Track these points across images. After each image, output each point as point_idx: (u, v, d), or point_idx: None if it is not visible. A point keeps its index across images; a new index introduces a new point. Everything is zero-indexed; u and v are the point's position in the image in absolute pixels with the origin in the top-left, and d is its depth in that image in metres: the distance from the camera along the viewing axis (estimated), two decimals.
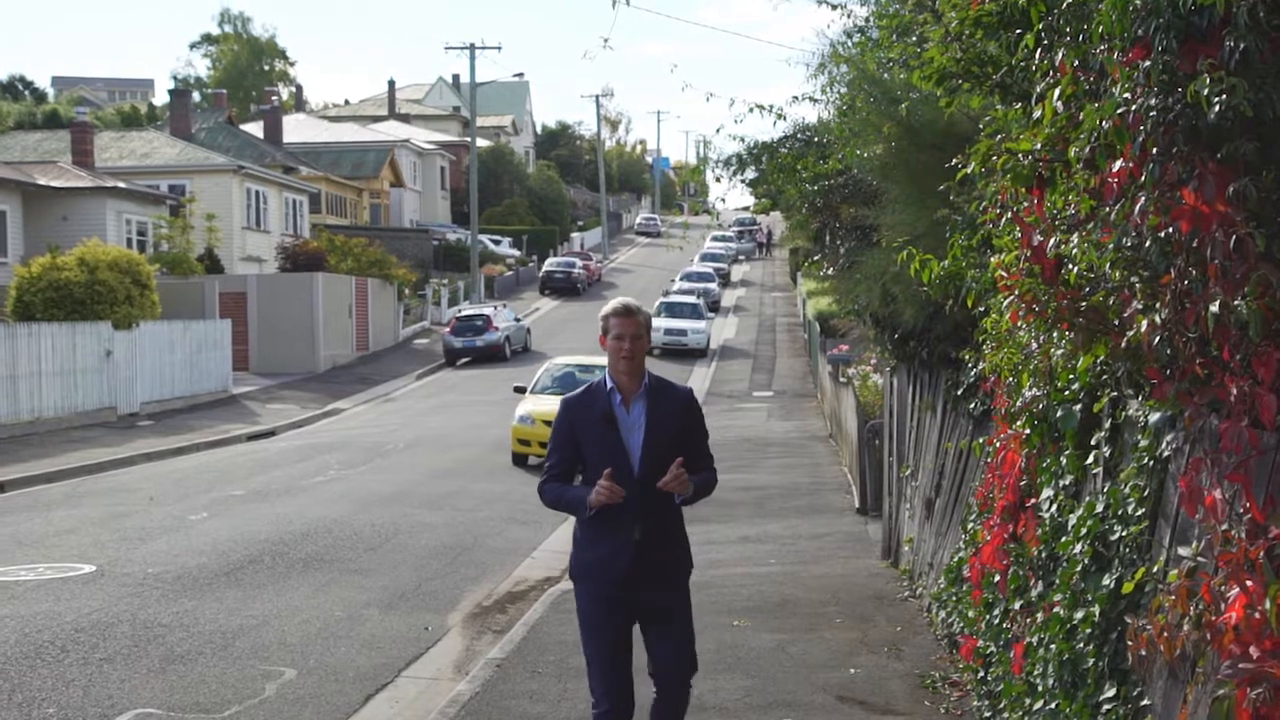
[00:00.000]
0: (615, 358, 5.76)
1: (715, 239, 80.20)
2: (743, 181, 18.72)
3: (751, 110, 11.80)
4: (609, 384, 5.78)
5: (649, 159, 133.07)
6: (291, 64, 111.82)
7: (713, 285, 58.35)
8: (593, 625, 5.76)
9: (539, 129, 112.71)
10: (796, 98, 11.28)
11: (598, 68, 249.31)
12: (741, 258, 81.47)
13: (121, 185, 38.84)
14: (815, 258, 12.74)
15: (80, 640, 9.41)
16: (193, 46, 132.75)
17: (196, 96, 73.24)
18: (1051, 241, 4.88)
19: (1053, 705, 5.20)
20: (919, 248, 8.89)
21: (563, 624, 10.07)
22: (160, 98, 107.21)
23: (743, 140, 13.00)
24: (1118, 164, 4.04)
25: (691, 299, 48.65)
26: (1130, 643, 4.18)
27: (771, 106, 11.75)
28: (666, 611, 5.76)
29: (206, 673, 8.73)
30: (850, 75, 10.34)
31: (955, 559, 8.93)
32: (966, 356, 7.73)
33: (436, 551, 13.58)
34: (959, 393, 9.71)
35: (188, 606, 10.59)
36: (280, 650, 9.42)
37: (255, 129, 63.57)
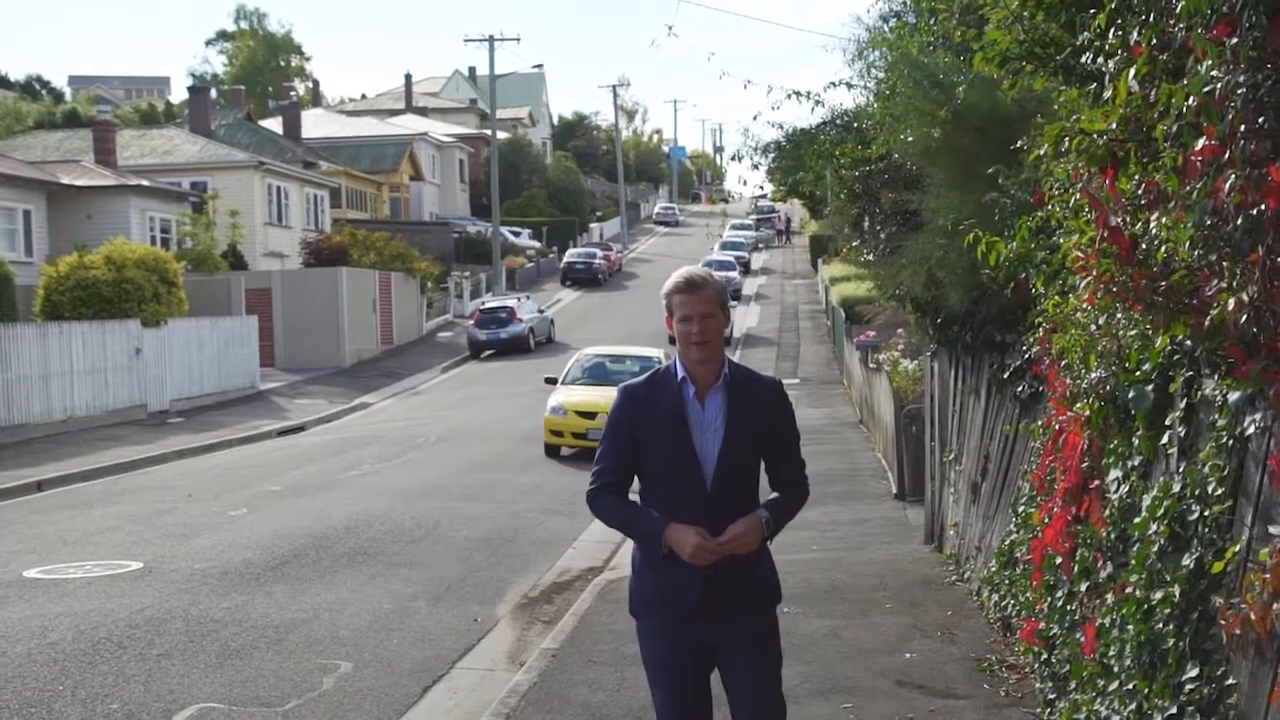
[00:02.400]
0: (685, 344, 4.73)
1: (735, 227, 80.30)
2: (770, 170, 18.67)
3: (789, 97, 11.81)
4: (679, 372, 4.77)
5: (665, 148, 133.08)
6: (307, 59, 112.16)
7: (734, 274, 58.28)
8: (658, 669, 4.82)
9: (555, 120, 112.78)
10: (834, 83, 11.28)
11: (613, 58, 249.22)
12: (761, 246, 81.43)
13: (145, 183, 39.01)
14: (854, 243, 12.71)
15: (136, 636, 9.47)
16: (208, 43, 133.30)
17: (213, 93, 73.33)
18: (1120, 221, 4.87)
19: (1130, 686, 5.19)
20: (965, 230, 8.89)
21: (612, 613, 10.09)
22: (177, 95, 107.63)
23: (781, 127, 12.99)
24: (1200, 142, 4.03)
25: None
26: (1224, 622, 4.17)
27: (809, 93, 11.74)
28: (747, 645, 4.79)
29: (263, 667, 8.78)
30: (891, 59, 10.31)
31: (1007, 542, 8.92)
32: (1030, 339, 7.69)
33: (478, 543, 13.61)
34: (1005, 376, 9.70)
35: (238, 601, 10.65)
36: (333, 643, 9.46)
37: (274, 125, 63.76)
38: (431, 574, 12.00)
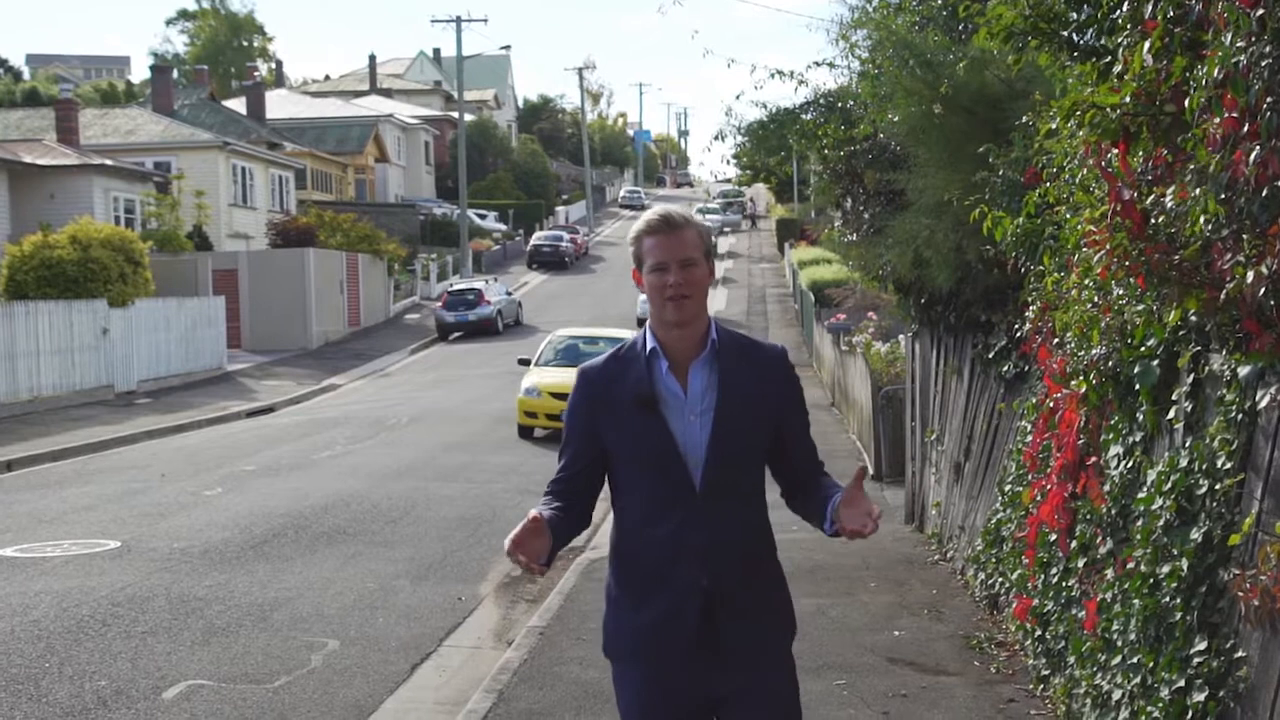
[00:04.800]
0: (658, 301, 3.63)
1: (700, 211, 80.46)
2: (737, 154, 18.65)
3: (773, 76, 11.76)
4: (648, 343, 3.70)
5: (631, 132, 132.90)
6: (270, 40, 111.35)
7: None
8: None
9: (521, 103, 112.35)
10: (817, 63, 11.28)
11: (579, 40, 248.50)
12: (727, 230, 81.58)
13: (109, 163, 38.59)
14: (836, 224, 12.71)
15: (119, 614, 9.39)
16: (169, 23, 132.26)
17: (175, 73, 72.65)
18: (1132, 195, 4.89)
19: (1134, 660, 5.21)
20: (953, 210, 8.91)
21: (597, 592, 10.01)
22: (137, 75, 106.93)
23: (764, 106, 12.97)
24: (1223, 114, 4.04)
25: None
26: (1240, 594, 4.19)
27: (792, 72, 11.70)
28: (754, 698, 3.72)
29: (250, 644, 8.72)
30: (877, 38, 10.29)
31: (993, 521, 8.97)
32: (1022, 318, 7.70)
33: (457, 523, 13.57)
34: (990, 356, 9.74)
35: (220, 580, 10.57)
36: (319, 621, 9.41)
37: (238, 105, 63.26)
38: (412, 553, 11.95)
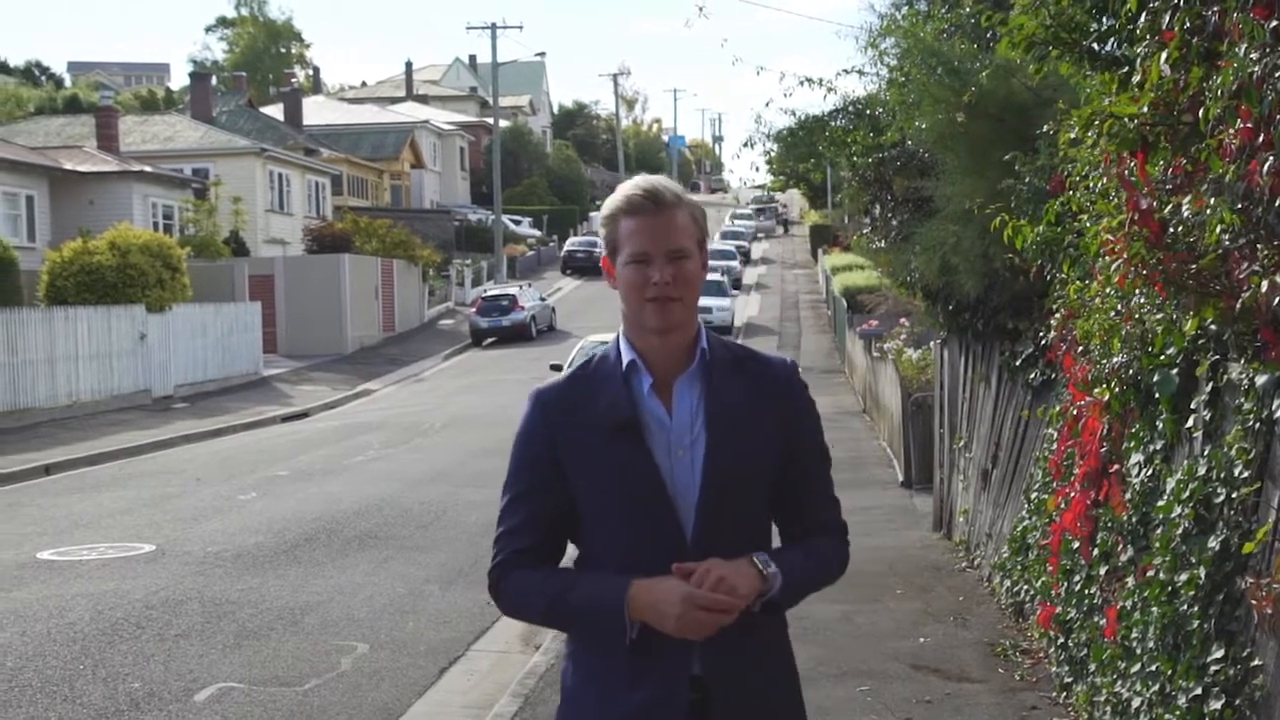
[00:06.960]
0: (636, 301, 2.87)
1: (735, 217, 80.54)
2: (769, 160, 18.71)
3: (802, 84, 11.83)
4: (625, 355, 2.93)
5: (665, 138, 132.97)
6: (307, 46, 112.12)
7: (734, 263, 58.47)
8: None
9: (555, 109, 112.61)
10: (846, 70, 11.34)
11: (613, 46, 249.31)
12: (761, 235, 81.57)
13: (147, 169, 38.97)
14: (865, 230, 12.75)
15: (153, 617, 9.52)
16: (208, 30, 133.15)
17: (214, 80, 73.21)
18: (1150, 204, 4.91)
19: (1153, 668, 5.23)
20: (979, 217, 8.92)
21: None
22: (176, 82, 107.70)
23: (794, 114, 13.05)
24: (1237, 124, 4.06)
25: (715, 276, 48.52)
26: (1254, 602, 4.21)
27: (821, 80, 11.77)
28: None
29: (281, 648, 8.83)
30: (905, 46, 10.32)
31: (1019, 528, 8.97)
32: (1047, 325, 7.72)
33: (487, 529, 13.50)
34: (1017, 363, 9.75)
35: (252, 584, 10.69)
36: (349, 625, 9.51)
37: (275, 111, 63.68)
38: (443, 558, 12.04)
